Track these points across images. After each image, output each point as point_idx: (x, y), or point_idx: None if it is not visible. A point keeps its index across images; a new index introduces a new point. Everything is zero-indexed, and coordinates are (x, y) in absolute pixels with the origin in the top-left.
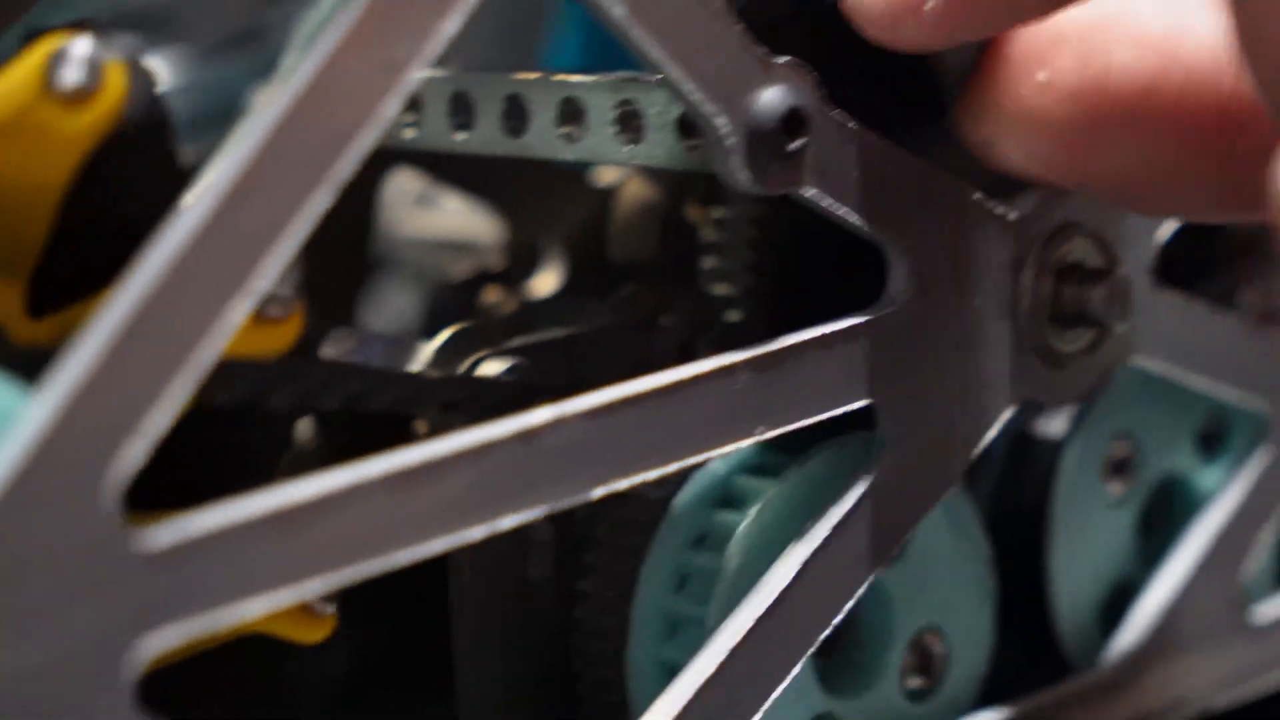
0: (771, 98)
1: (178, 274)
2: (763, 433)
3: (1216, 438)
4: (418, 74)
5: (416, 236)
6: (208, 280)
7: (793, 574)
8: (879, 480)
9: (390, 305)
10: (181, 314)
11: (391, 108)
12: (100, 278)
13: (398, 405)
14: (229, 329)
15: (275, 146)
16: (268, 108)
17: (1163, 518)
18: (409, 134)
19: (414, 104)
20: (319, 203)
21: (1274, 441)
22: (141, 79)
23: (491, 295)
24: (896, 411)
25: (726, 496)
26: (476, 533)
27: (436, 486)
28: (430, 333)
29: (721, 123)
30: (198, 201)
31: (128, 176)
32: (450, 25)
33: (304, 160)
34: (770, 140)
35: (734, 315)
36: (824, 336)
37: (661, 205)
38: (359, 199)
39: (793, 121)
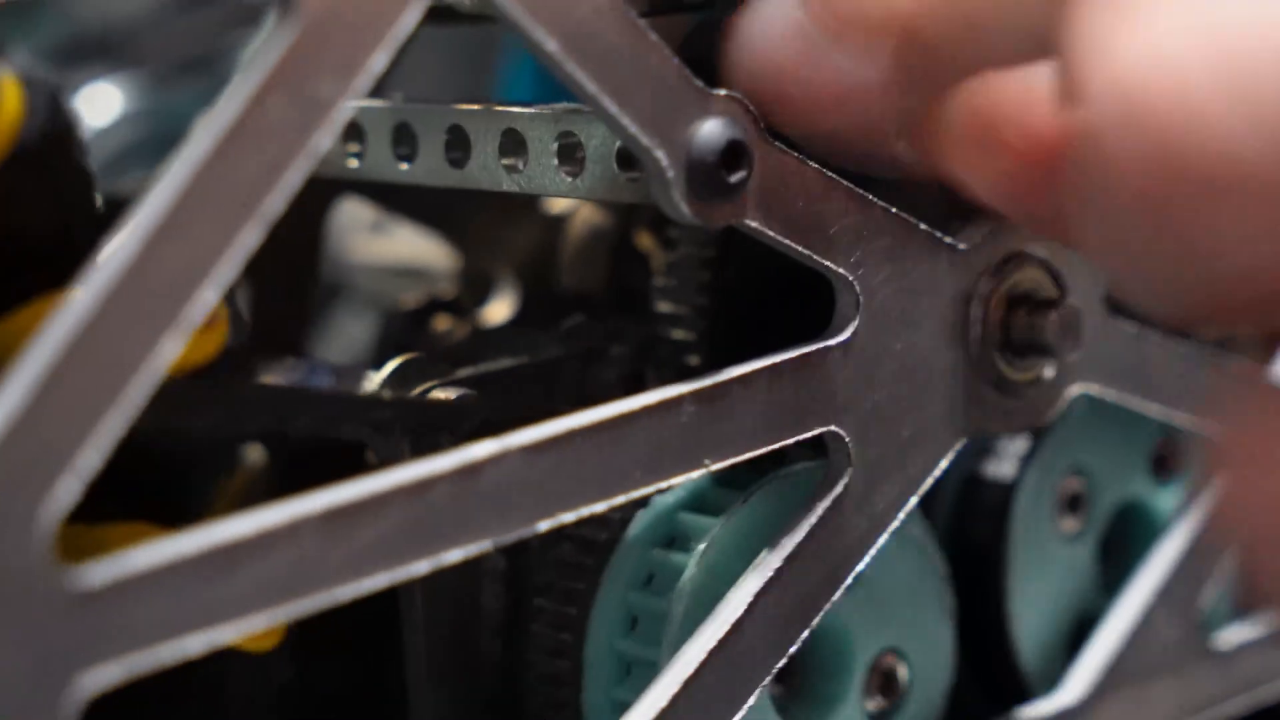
0: (710, 130)
1: (107, 310)
2: (710, 465)
3: (1171, 458)
4: (347, 109)
5: (370, 263)
6: (138, 316)
7: (744, 607)
8: (830, 510)
9: (343, 332)
10: (112, 350)
11: (320, 144)
12: (6, 297)
13: (332, 426)
14: (162, 364)
15: (202, 182)
16: (194, 143)
17: (1122, 542)
18: (353, 164)
19: (357, 134)
20: (249, 238)
21: None
22: (40, 97)
23: (443, 323)
24: (847, 442)
25: (672, 535)
26: (419, 568)
27: (377, 522)
28: (381, 361)
29: (660, 156)
30: (126, 237)
31: (28, 194)
32: (379, 61)
33: (232, 197)
34: (710, 173)
35: (685, 344)
36: (770, 367)
37: (612, 233)
38: (308, 228)
39: (732, 154)
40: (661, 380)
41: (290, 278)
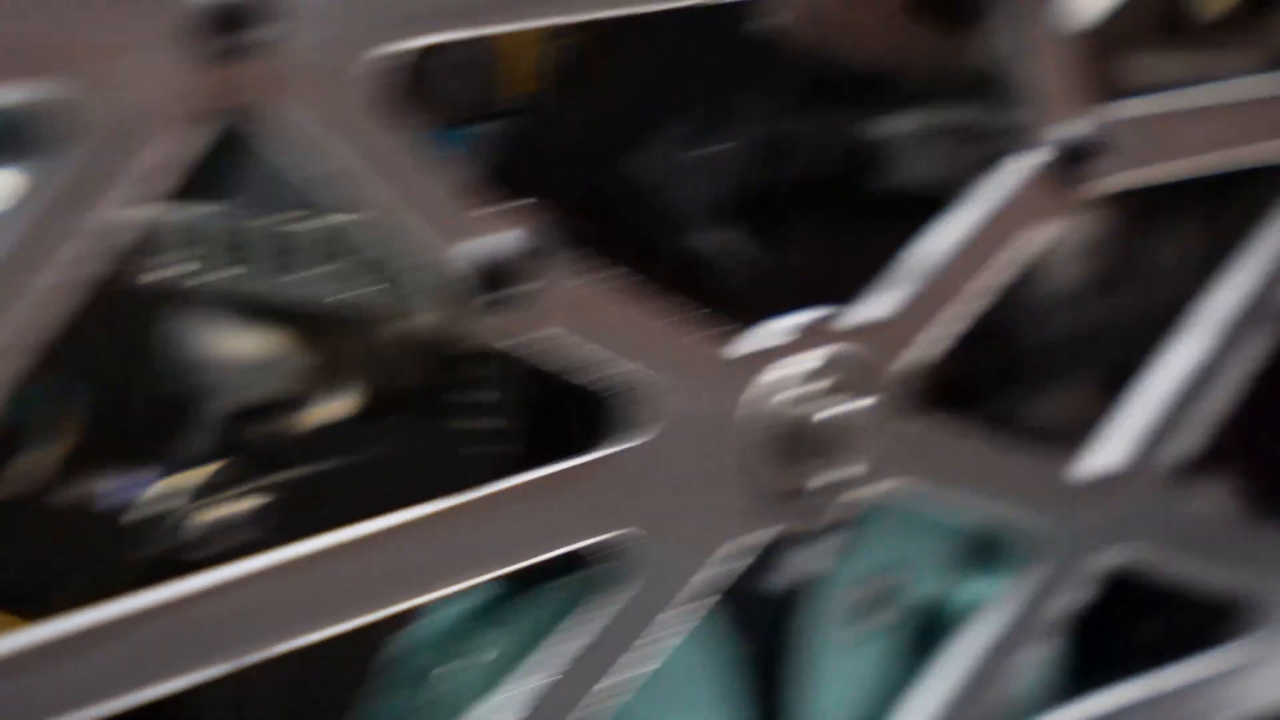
0: (494, 244)
1: None
2: (491, 571)
3: (982, 553)
4: (130, 230)
5: (213, 362)
6: None
7: (534, 707)
8: (622, 612)
9: (194, 430)
10: None
11: (90, 274)
12: None
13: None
14: None
15: None
16: None
17: (930, 636)
18: (180, 271)
19: (184, 243)
20: (12, 369)
21: (1042, 559)
22: None
23: (278, 423)
24: (634, 546)
25: (454, 640)
26: (175, 685)
27: (124, 644)
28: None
29: (449, 269)
30: None
31: None
32: (159, 190)
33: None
34: (497, 286)
35: (498, 444)
36: (558, 473)
37: (436, 331)
38: (151, 333)
39: (521, 267)
40: (473, 480)
41: (130, 385)
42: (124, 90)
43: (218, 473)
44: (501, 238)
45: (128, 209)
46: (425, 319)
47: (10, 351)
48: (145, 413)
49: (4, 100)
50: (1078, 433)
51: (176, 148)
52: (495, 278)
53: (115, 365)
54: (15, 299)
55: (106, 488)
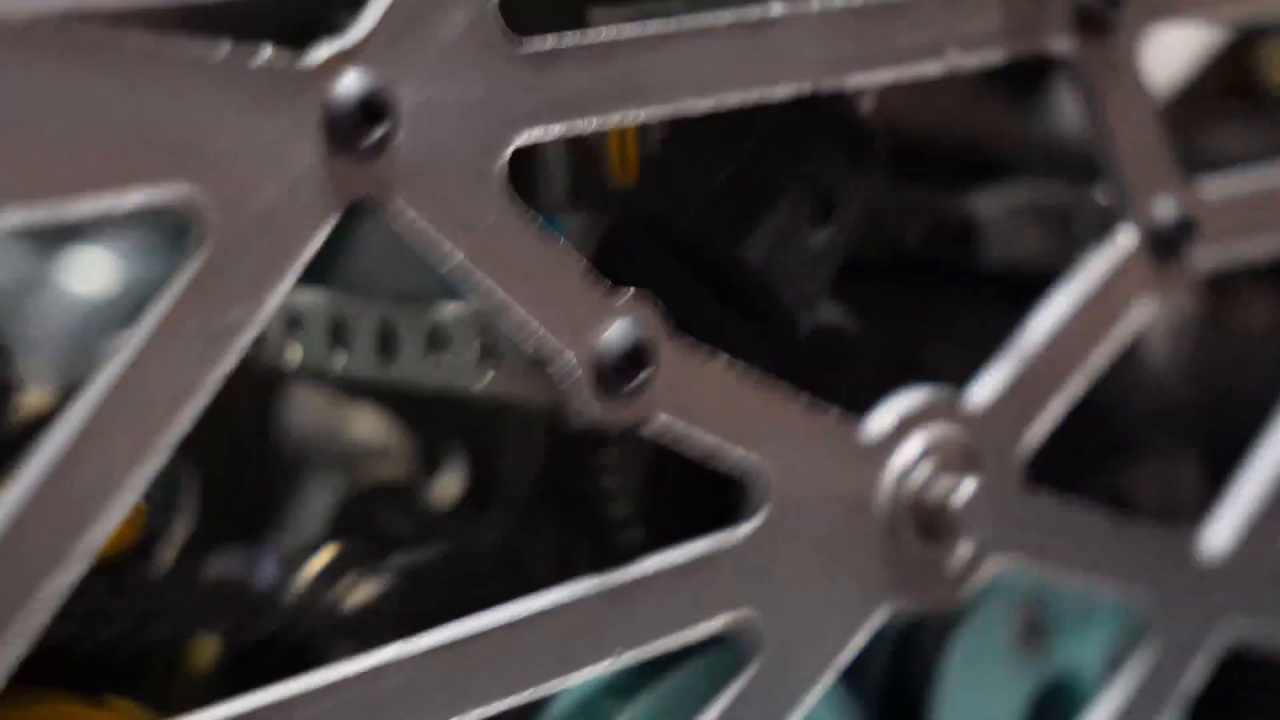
0: (615, 333)
1: (9, 540)
2: (620, 655)
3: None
4: (250, 337)
5: (325, 443)
6: (44, 534)
7: None
8: (742, 694)
9: (308, 511)
10: (17, 565)
11: (222, 371)
12: None
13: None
14: (65, 583)
15: (106, 412)
16: (106, 371)
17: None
18: (294, 355)
19: (296, 325)
20: (152, 465)
21: (1155, 638)
22: None
23: (391, 504)
24: (762, 626)
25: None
26: None
27: None
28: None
29: (567, 359)
30: (29, 465)
31: None
32: (284, 287)
33: (134, 427)
34: (616, 374)
35: (623, 523)
36: (681, 558)
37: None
38: (261, 412)
39: (637, 355)
40: (595, 564)
41: (246, 462)
42: (255, 187)
43: (337, 556)
44: (619, 325)
45: (250, 313)
46: (543, 406)
47: (141, 448)
48: (259, 494)
49: (137, 202)
50: (1186, 512)
51: (304, 241)
52: (613, 365)
53: (231, 446)
54: (142, 401)
55: (225, 566)
